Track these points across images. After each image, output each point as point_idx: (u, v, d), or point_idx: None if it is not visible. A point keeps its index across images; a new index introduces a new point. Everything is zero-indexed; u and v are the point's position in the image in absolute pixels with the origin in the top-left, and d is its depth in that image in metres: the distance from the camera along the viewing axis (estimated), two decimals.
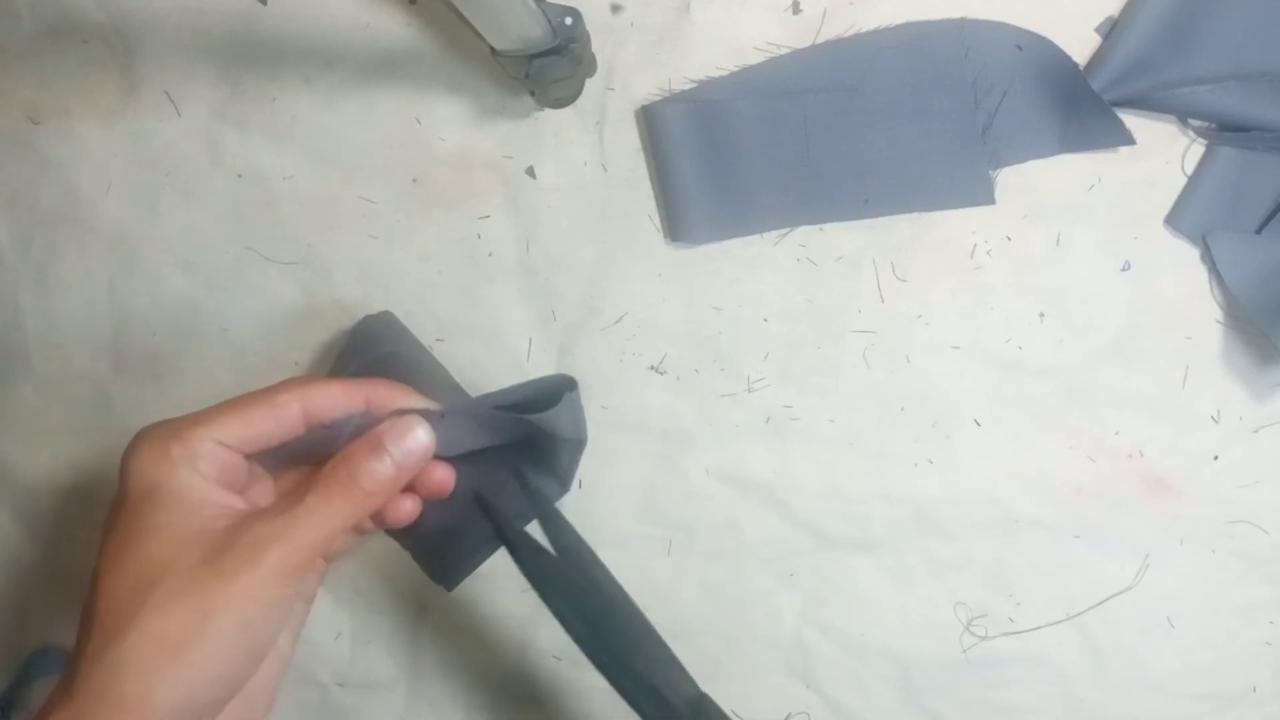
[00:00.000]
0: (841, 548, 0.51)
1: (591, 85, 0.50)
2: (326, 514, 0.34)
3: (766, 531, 0.51)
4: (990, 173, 0.48)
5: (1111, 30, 0.47)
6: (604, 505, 0.51)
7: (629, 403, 0.51)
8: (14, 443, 0.55)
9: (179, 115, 0.52)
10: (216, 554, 0.32)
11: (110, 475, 0.54)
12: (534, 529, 0.41)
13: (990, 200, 0.48)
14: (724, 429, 0.51)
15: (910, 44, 0.48)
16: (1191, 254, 0.48)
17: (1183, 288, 0.48)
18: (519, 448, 0.42)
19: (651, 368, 0.51)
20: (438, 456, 0.38)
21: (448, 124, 0.51)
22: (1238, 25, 0.46)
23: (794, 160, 0.49)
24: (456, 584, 0.50)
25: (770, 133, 0.49)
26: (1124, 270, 0.48)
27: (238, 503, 0.34)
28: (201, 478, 0.33)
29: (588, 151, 0.50)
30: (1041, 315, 0.49)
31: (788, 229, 0.49)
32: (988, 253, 0.49)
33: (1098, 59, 0.47)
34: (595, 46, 0.49)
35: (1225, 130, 0.47)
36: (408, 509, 0.38)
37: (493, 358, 0.52)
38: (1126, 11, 0.47)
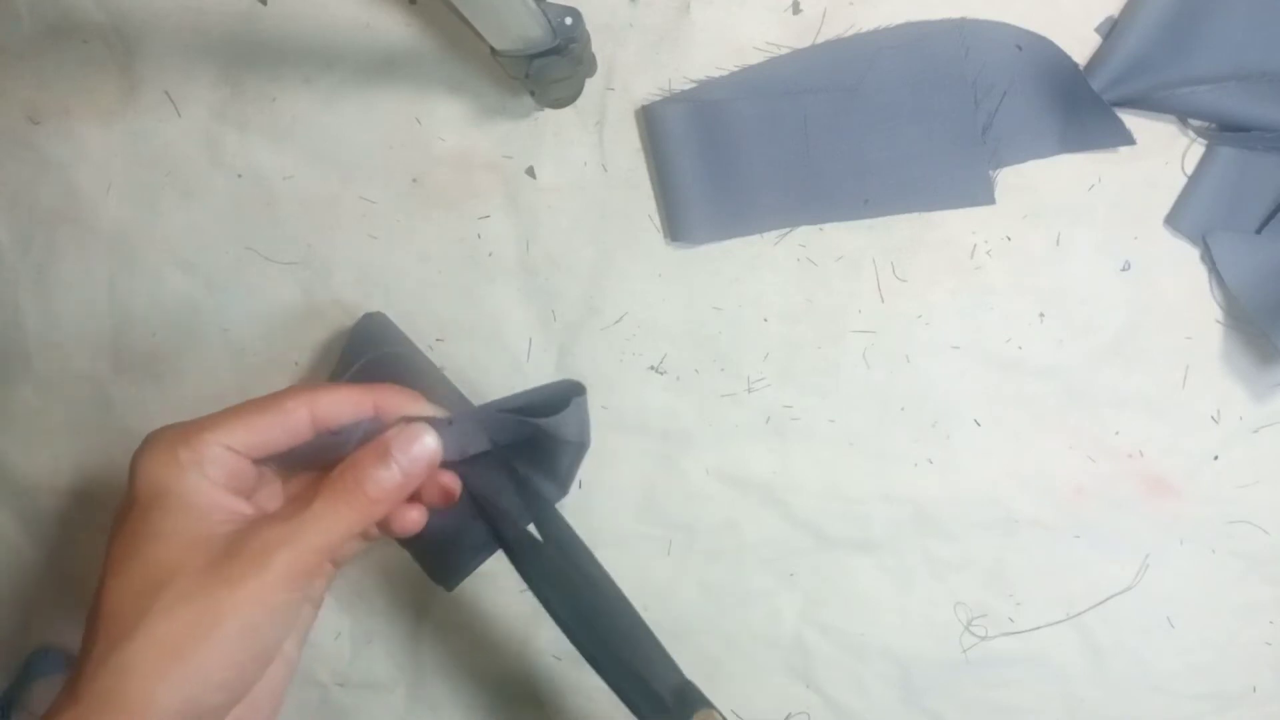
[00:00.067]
0: (841, 548, 0.51)
1: (591, 85, 0.50)
2: (333, 520, 0.34)
3: (766, 531, 0.51)
4: (990, 173, 0.48)
5: (1111, 30, 0.47)
6: (604, 505, 0.51)
7: (629, 403, 0.51)
8: (14, 443, 0.55)
9: (179, 115, 0.52)
10: (222, 559, 0.32)
11: (110, 475, 0.54)
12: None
13: (990, 200, 0.48)
14: (724, 429, 0.51)
15: (910, 44, 0.48)
16: (1191, 254, 0.48)
17: (1183, 288, 0.48)
18: (520, 448, 0.42)
19: (651, 368, 0.51)
20: (444, 463, 0.37)
21: (448, 124, 0.51)
22: (1238, 25, 0.46)
23: (794, 160, 0.49)
24: (456, 584, 0.50)
25: (770, 133, 0.49)
26: (1124, 270, 0.48)
27: (245, 508, 0.34)
28: (209, 482, 0.33)
29: (588, 151, 0.50)
30: (1041, 315, 0.49)
31: (788, 229, 0.49)
32: (988, 253, 0.49)
33: (1098, 59, 0.47)
34: (595, 46, 0.49)
35: (1225, 130, 0.47)
36: (413, 518, 0.38)
37: (493, 358, 0.52)
38: (1126, 11, 0.47)
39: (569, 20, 0.43)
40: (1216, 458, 0.49)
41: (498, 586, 0.52)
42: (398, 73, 0.51)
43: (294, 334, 0.52)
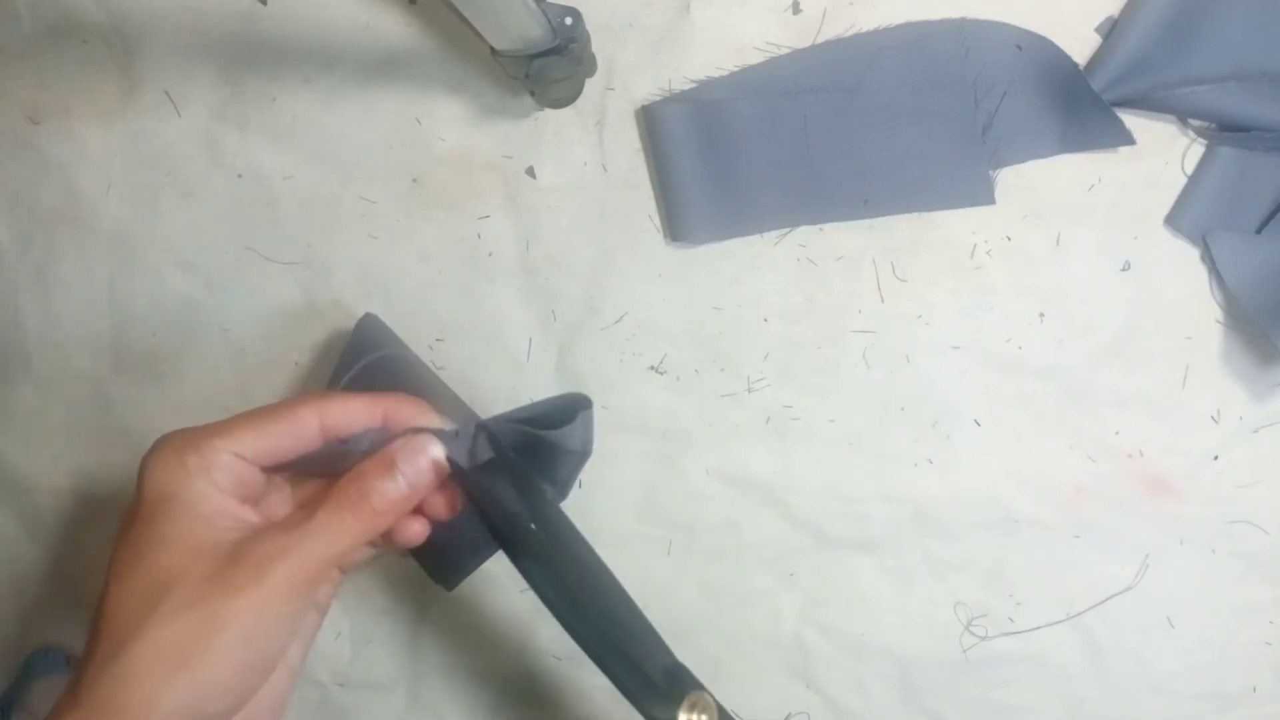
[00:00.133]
0: (841, 548, 0.51)
1: (591, 85, 0.50)
2: (337, 531, 0.34)
3: (766, 531, 0.51)
4: (990, 173, 0.48)
5: (1111, 30, 0.47)
6: (604, 505, 0.51)
7: (629, 403, 0.51)
8: (14, 443, 0.55)
9: (179, 115, 0.52)
10: (225, 567, 0.32)
11: (110, 475, 0.54)
12: None
13: (990, 200, 0.48)
14: (724, 429, 0.51)
15: (910, 44, 0.48)
16: (1191, 254, 0.48)
17: (1183, 288, 0.48)
18: (522, 455, 0.42)
19: (651, 368, 0.51)
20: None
21: (448, 124, 0.51)
22: (1238, 25, 0.46)
23: (794, 160, 0.49)
24: (456, 584, 0.50)
25: (770, 133, 0.49)
26: (1124, 270, 0.48)
27: (251, 516, 0.34)
28: (216, 489, 0.33)
29: (588, 151, 0.50)
30: (1041, 315, 0.49)
31: (788, 229, 0.49)
32: (988, 253, 0.49)
33: (1098, 59, 0.47)
34: (595, 46, 0.49)
35: (1225, 130, 0.47)
36: (416, 530, 0.37)
37: (493, 358, 0.52)
38: (1126, 11, 0.47)
39: (569, 20, 0.43)
40: (1216, 458, 0.49)
41: (498, 586, 0.52)
42: (398, 73, 0.51)
43: (294, 334, 0.52)
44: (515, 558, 0.36)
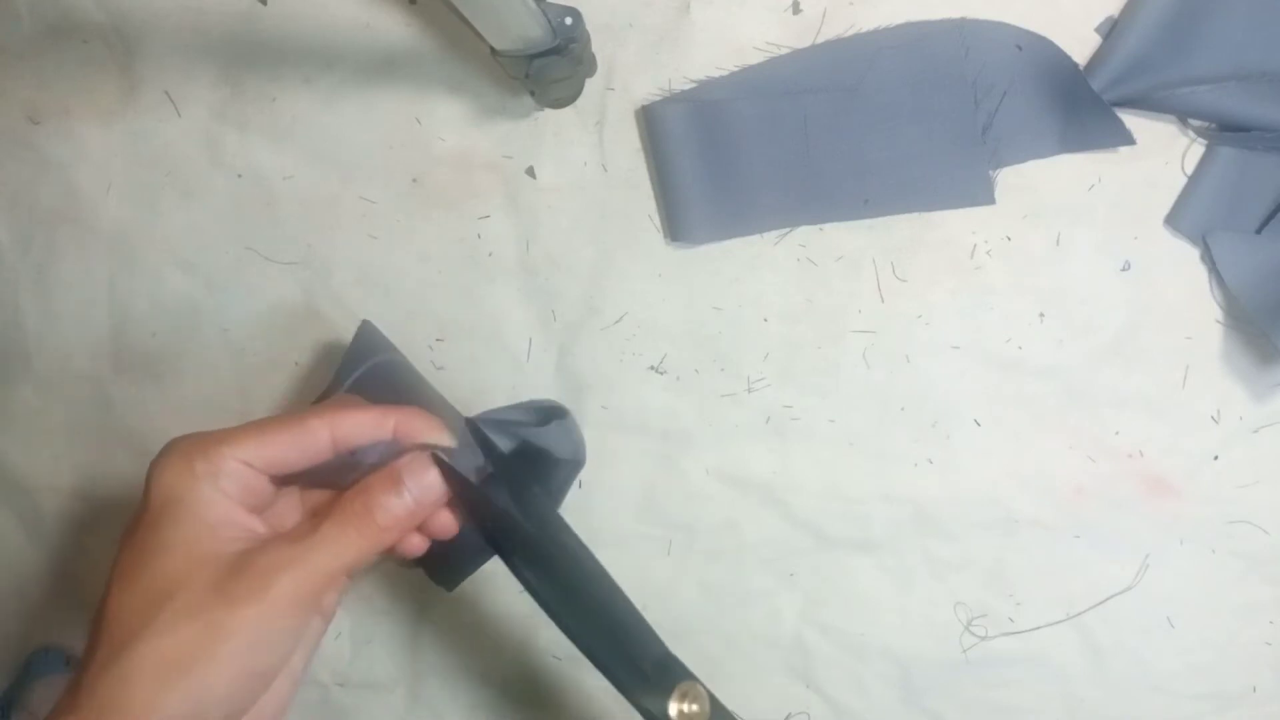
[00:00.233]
0: (841, 548, 0.51)
1: (591, 85, 0.50)
2: (341, 545, 0.34)
3: (766, 531, 0.51)
4: (990, 173, 0.48)
5: (1111, 30, 0.47)
6: (604, 505, 0.51)
7: (629, 403, 0.51)
8: (14, 443, 0.55)
9: (179, 115, 0.52)
10: (228, 577, 0.32)
11: (110, 475, 0.54)
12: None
13: (990, 200, 0.48)
14: (724, 429, 0.51)
15: (910, 44, 0.48)
16: (1191, 254, 0.48)
17: (1183, 288, 0.48)
18: (516, 464, 0.42)
19: (651, 368, 0.51)
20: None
21: (448, 124, 0.51)
22: (1238, 25, 0.46)
23: (794, 160, 0.49)
24: (456, 585, 0.50)
25: (770, 133, 0.49)
26: (1124, 270, 0.48)
27: (257, 525, 0.34)
28: (223, 496, 0.33)
29: (588, 151, 0.50)
30: (1041, 315, 0.49)
31: (788, 229, 0.49)
32: (988, 253, 0.49)
33: (1098, 59, 0.47)
34: (595, 46, 0.49)
35: (1225, 130, 0.47)
36: (416, 542, 0.37)
37: (493, 358, 0.52)
38: (1126, 11, 0.47)
39: (569, 20, 0.43)
40: (1216, 458, 0.49)
41: (498, 586, 0.52)
42: (398, 73, 0.51)
43: (294, 334, 0.52)
44: (505, 553, 0.36)
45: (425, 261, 0.51)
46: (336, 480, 0.36)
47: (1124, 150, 0.48)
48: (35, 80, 0.53)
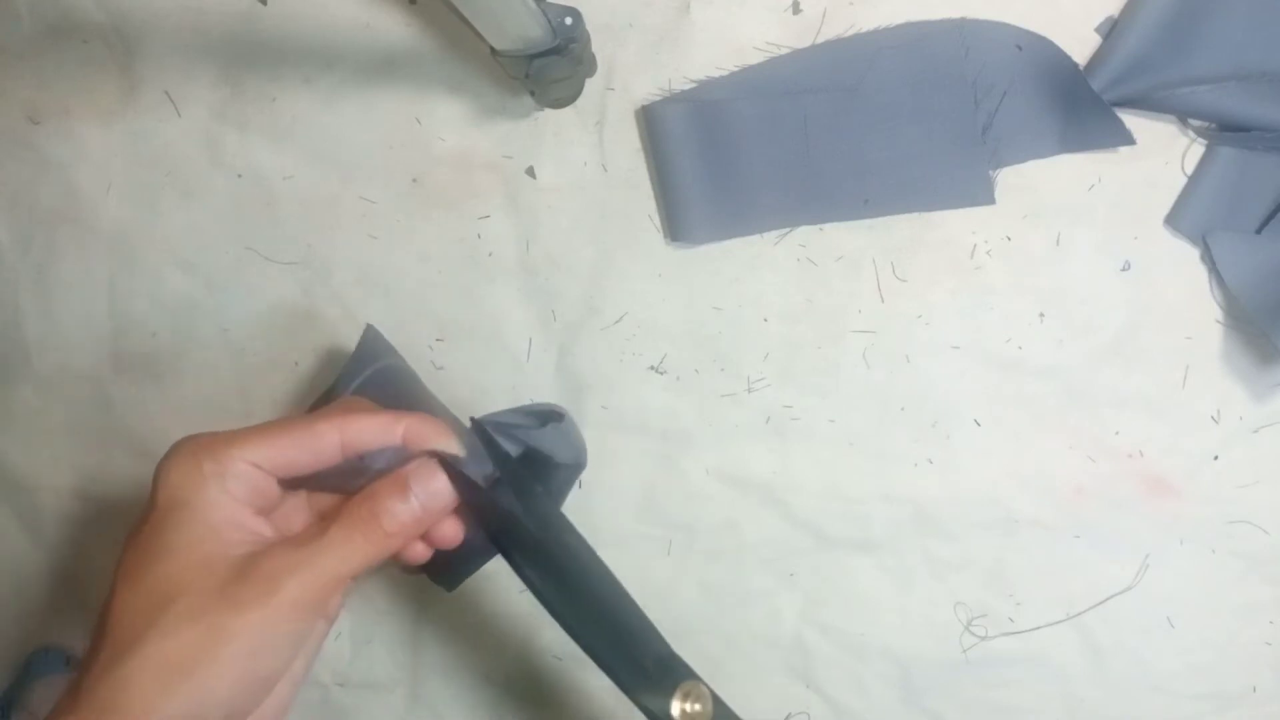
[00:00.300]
0: (841, 548, 0.51)
1: (591, 85, 0.50)
2: (346, 550, 0.33)
3: (766, 531, 0.51)
4: (990, 173, 0.48)
5: (1111, 30, 0.47)
6: (604, 505, 0.51)
7: (629, 403, 0.51)
8: (14, 443, 0.55)
9: (179, 115, 0.52)
10: (232, 582, 0.32)
11: (110, 475, 0.54)
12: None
13: (990, 200, 0.48)
14: (724, 429, 0.51)
15: (910, 44, 0.48)
16: (1191, 254, 0.48)
17: (1183, 288, 0.48)
18: (520, 465, 0.42)
19: (651, 368, 0.51)
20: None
21: (448, 124, 0.51)
22: (1238, 25, 0.46)
23: (794, 160, 0.49)
24: (457, 585, 0.50)
25: (770, 133, 0.49)
26: (1124, 270, 0.48)
27: (263, 528, 0.34)
28: (230, 497, 0.33)
29: (588, 151, 0.50)
30: (1041, 315, 0.49)
31: (788, 229, 0.49)
32: (988, 253, 0.49)
33: (1098, 59, 0.47)
34: (595, 46, 0.49)
35: (1225, 130, 0.47)
36: (419, 549, 0.37)
37: (493, 358, 0.52)
38: (1126, 11, 0.47)
39: (569, 20, 0.43)
40: (1216, 458, 0.49)
41: (498, 586, 0.52)
42: (398, 73, 0.51)
43: (294, 334, 0.52)
44: (508, 553, 0.36)
45: (425, 261, 0.51)
46: (343, 485, 0.36)
47: (1124, 150, 0.48)
48: (35, 80, 0.53)
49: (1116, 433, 0.49)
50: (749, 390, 0.50)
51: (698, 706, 0.35)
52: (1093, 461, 0.49)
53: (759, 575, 0.51)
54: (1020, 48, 0.47)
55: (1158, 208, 0.48)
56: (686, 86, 0.49)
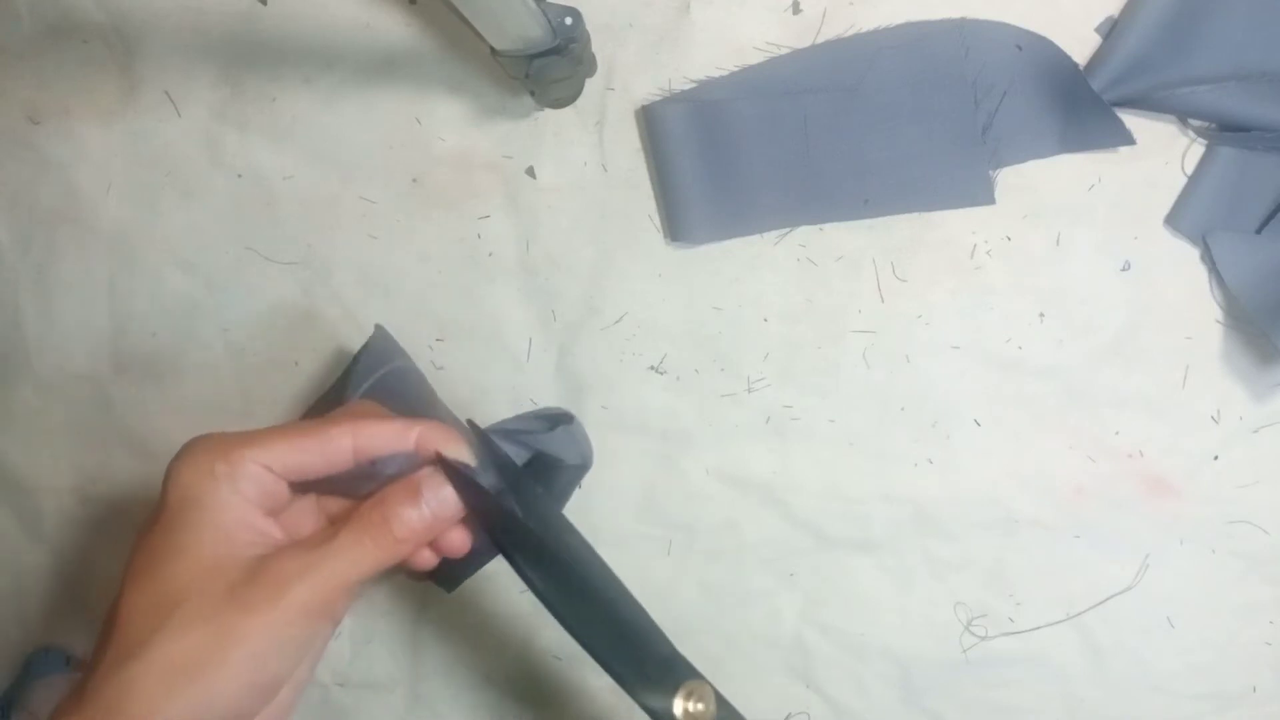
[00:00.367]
0: (841, 548, 0.51)
1: (591, 85, 0.50)
2: (355, 555, 0.33)
3: (766, 531, 0.51)
4: (990, 173, 0.48)
5: (1111, 30, 0.47)
6: (604, 505, 0.51)
7: (629, 403, 0.51)
8: (14, 443, 0.55)
9: (179, 115, 0.52)
10: (241, 584, 0.32)
11: (110, 475, 0.54)
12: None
13: (990, 200, 0.48)
14: (724, 429, 0.51)
15: (910, 44, 0.48)
16: (1191, 254, 0.48)
17: (1183, 288, 0.48)
18: (526, 474, 0.42)
19: (651, 368, 0.51)
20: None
21: (448, 124, 0.51)
22: (1238, 25, 0.46)
23: (794, 160, 0.49)
24: (457, 586, 0.50)
25: (770, 133, 0.49)
26: (1124, 270, 0.48)
27: (273, 530, 0.34)
28: (242, 499, 0.33)
29: (588, 151, 0.50)
30: (1041, 315, 0.49)
31: (788, 229, 0.49)
32: (988, 253, 0.49)
33: (1098, 59, 0.47)
34: (595, 46, 0.49)
35: (1225, 130, 0.47)
36: (426, 556, 0.37)
37: (493, 358, 0.52)
38: (1126, 11, 0.47)
39: (569, 20, 0.43)
40: (1216, 458, 0.49)
41: (498, 586, 0.52)
42: (398, 73, 0.51)
43: (294, 334, 0.52)
44: (510, 553, 0.36)
45: (425, 261, 0.51)
46: (352, 489, 0.36)
47: (1124, 150, 0.48)
48: (35, 80, 0.53)
49: (1116, 433, 0.49)
50: (749, 390, 0.50)
51: (700, 706, 0.35)
52: (1093, 461, 0.49)
53: (759, 575, 0.51)
54: (1020, 48, 0.47)
55: (1158, 208, 0.48)
56: (686, 86, 0.49)
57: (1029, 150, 0.48)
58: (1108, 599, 0.50)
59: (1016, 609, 0.50)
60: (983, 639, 0.50)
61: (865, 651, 0.51)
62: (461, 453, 0.36)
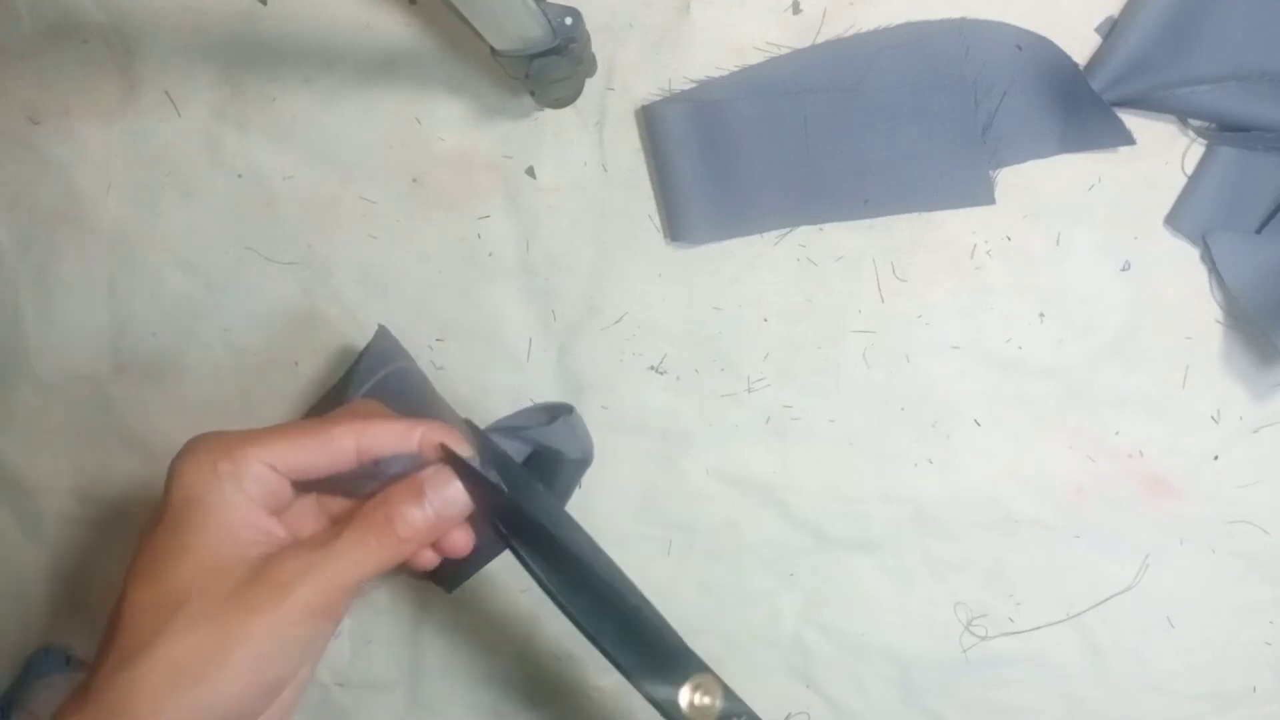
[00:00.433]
0: (841, 548, 0.51)
1: (591, 85, 0.50)
2: (359, 555, 0.33)
3: (766, 531, 0.51)
4: (990, 173, 0.48)
5: (1111, 30, 0.47)
6: (604, 505, 0.51)
7: (629, 403, 0.51)
8: (14, 443, 0.55)
9: (179, 115, 0.52)
10: (245, 584, 0.32)
11: (110, 475, 0.54)
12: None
13: (990, 200, 0.48)
14: (724, 429, 0.51)
15: (910, 44, 0.48)
16: (1191, 254, 0.48)
17: (1183, 288, 0.48)
18: (524, 463, 0.42)
19: (651, 368, 0.51)
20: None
21: (448, 124, 0.51)
22: (1238, 25, 0.46)
23: (794, 160, 0.49)
24: (457, 586, 0.50)
25: (770, 133, 0.49)
26: (1124, 270, 0.48)
27: (277, 529, 0.34)
28: (245, 498, 0.33)
29: (588, 151, 0.50)
30: (1041, 315, 0.49)
31: (788, 229, 0.49)
32: (988, 253, 0.49)
33: (1098, 59, 0.47)
34: (595, 46, 0.49)
35: (1225, 130, 0.47)
36: (428, 556, 0.37)
37: (493, 358, 0.52)
38: (1126, 11, 0.47)
39: (569, 20, 0.43)
40: (1216, 458, 0.49)
41: (498, 587, 0.52)
42: (398, 73, 0.51)
43: (294, 334, 0.52)
44: (515, 544, 0.36)
45: (425, 261, 0.51)
46: (354, 489, 0.36)
47: (1124, 150, 0.48)
48: (35, 80, 0.53)
49: (1116, 433, 0.49)
50: (749, 390, 0.50)
51: (707, 700, 0.35)
52: (1093, 461, 0.49)
53: (759, 575, 0.51)
54: (1020, 48, 0.47)
55: (1158, 208, 0.48)
56: (686, 86, 0.49)
57: (1029, 150, 0.48)
58: (1108, 599, 0.50)
59: (1016, 609, 0.50)
60: (983, 639, 0.50)
61: (865, 651, 0.51)
62: (464, 452, 0.36)
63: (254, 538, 0.33)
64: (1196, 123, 0.47)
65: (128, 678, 0.30)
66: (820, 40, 0.48)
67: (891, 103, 0.48)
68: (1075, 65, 0.47)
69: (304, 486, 0.36)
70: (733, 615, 0.51)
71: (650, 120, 0.49)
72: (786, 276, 0.50)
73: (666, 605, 0.51)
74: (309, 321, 0.52)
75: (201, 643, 0.31)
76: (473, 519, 0.37)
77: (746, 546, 0.51)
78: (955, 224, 0.49)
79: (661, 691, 0.34)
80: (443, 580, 0.50)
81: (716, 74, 0.49)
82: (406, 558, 0.35)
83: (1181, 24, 0.46)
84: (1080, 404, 0.49)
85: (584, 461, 0.49)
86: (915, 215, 0.49)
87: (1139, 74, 0.46)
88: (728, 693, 0.35)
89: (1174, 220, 0.48)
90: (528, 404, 0.51)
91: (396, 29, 0.50)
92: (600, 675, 0.52)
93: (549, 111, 0.50)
